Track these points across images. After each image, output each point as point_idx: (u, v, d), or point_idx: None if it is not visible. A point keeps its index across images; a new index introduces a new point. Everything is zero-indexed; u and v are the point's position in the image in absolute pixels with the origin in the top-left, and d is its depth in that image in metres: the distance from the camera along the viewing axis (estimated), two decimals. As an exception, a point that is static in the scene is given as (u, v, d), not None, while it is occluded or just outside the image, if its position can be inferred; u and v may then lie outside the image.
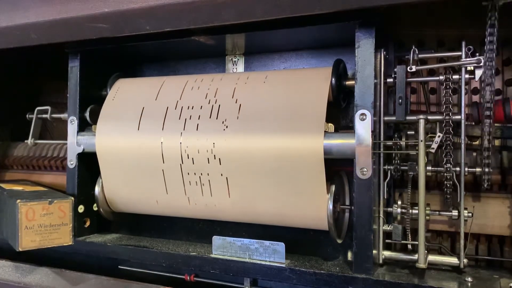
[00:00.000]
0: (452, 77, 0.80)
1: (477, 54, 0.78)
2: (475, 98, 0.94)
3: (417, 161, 0.78)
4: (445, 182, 0.81)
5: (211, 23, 0.78)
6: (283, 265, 0.83)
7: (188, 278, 0.98)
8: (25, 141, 1.18)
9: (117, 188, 0.99)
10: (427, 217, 0.81)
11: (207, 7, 0.75)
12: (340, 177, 0.89)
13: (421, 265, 0.78)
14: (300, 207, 0.83)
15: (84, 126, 1.04)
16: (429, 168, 0.82)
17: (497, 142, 0.89)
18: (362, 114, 0.77)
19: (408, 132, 0.88)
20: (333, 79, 0.84)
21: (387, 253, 0.83)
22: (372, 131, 0.77)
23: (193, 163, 0.89)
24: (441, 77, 0.81)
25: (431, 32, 0.95)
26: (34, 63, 1.34)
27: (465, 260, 0.79)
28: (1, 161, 1.32)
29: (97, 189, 1.02)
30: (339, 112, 0.94)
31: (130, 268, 1.07)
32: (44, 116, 1.16)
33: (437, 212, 0.84)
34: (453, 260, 0.81)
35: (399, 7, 0.76)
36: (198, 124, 0.89)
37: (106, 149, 0.97)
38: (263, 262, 0.85)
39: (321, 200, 0.81)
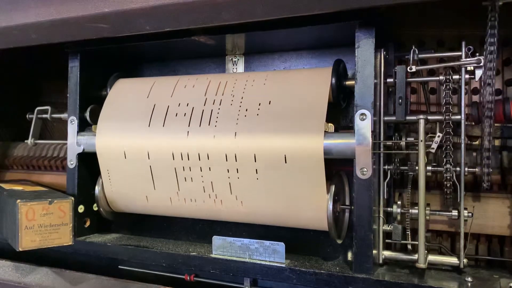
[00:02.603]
0: (452, 77, 0.80)
1: (477, 54, 0.78)
2: (475, 98, 0.94)
3: (417, 161, 0.78)
4: (445, 182, 0.81)
5: (211, 23, 0.78)
6: (283, 265, 0.83)
7: (188, 278, 0.98)
8: (25, 141, 1.18)
9: (118, 188, 0.99)
10: (427, 217, 0.81)
11: (207, 7, 0.75)
12: (340, 177, 0.89)
13: (421, 265, 0.78)
14: (300, 207, 0.83)
15: (84, 126, 1.04)
16: (429, 168, 0.82)
17: (497, 142, 0.89)
18: (362, 114, 0.77)
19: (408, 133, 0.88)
20: (333, 79, 0.84)
21: (387, 253, 0.83)
22: (372, 131, 0.77)
23: (194, 163, 0.88)
24: (441, 77, 0.81)
25: (431, 32, 0.95)
26: (34, 63, 1.34)
27: (465, 260, 0.79)
28: (1, 161, 1.32)
29: (97, 189, 1.02)
30: (339, 112, 0.94)
31: (130, 268, 1.07)
32: (44, 116, 1.16)
33: (437, 212, 0.84)
34: (453, 260, 0.81)
35: (399, 7, 0.76)
36: (200, 124, 0.88)
37: (106, 149, 0.97)
38: (263, 262, 0.84)
39: (321, 200, 0.81)
